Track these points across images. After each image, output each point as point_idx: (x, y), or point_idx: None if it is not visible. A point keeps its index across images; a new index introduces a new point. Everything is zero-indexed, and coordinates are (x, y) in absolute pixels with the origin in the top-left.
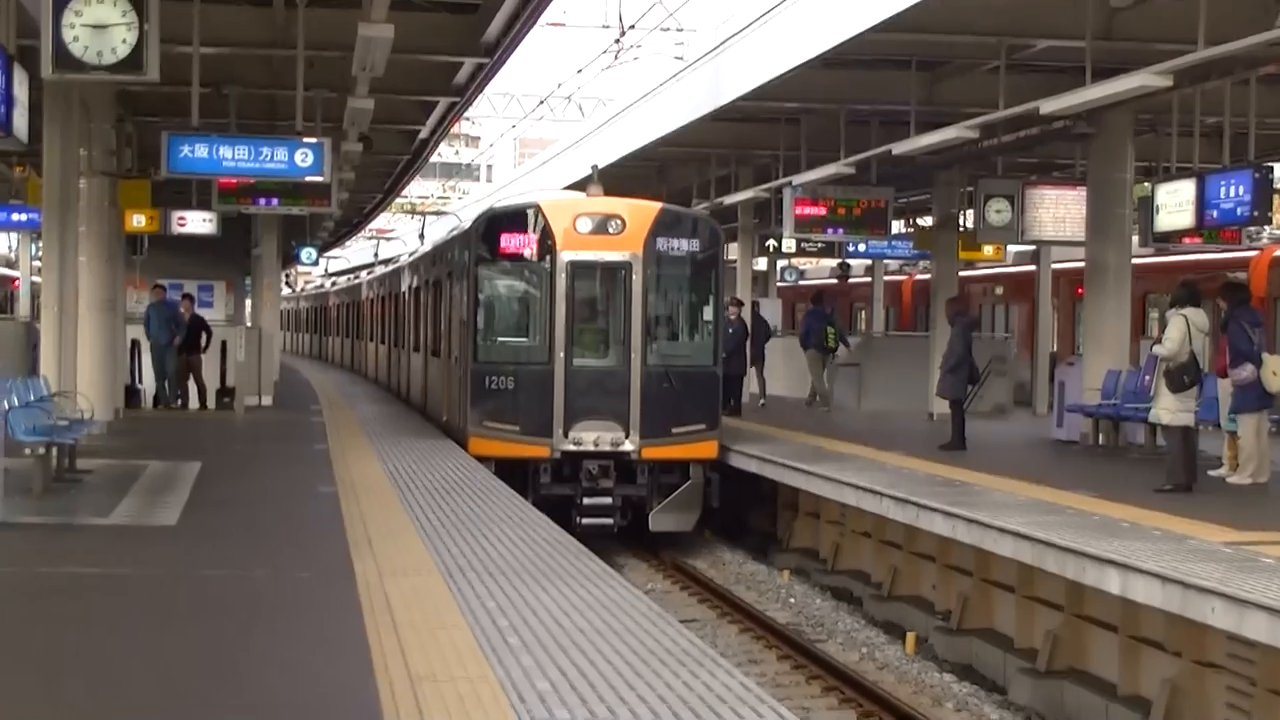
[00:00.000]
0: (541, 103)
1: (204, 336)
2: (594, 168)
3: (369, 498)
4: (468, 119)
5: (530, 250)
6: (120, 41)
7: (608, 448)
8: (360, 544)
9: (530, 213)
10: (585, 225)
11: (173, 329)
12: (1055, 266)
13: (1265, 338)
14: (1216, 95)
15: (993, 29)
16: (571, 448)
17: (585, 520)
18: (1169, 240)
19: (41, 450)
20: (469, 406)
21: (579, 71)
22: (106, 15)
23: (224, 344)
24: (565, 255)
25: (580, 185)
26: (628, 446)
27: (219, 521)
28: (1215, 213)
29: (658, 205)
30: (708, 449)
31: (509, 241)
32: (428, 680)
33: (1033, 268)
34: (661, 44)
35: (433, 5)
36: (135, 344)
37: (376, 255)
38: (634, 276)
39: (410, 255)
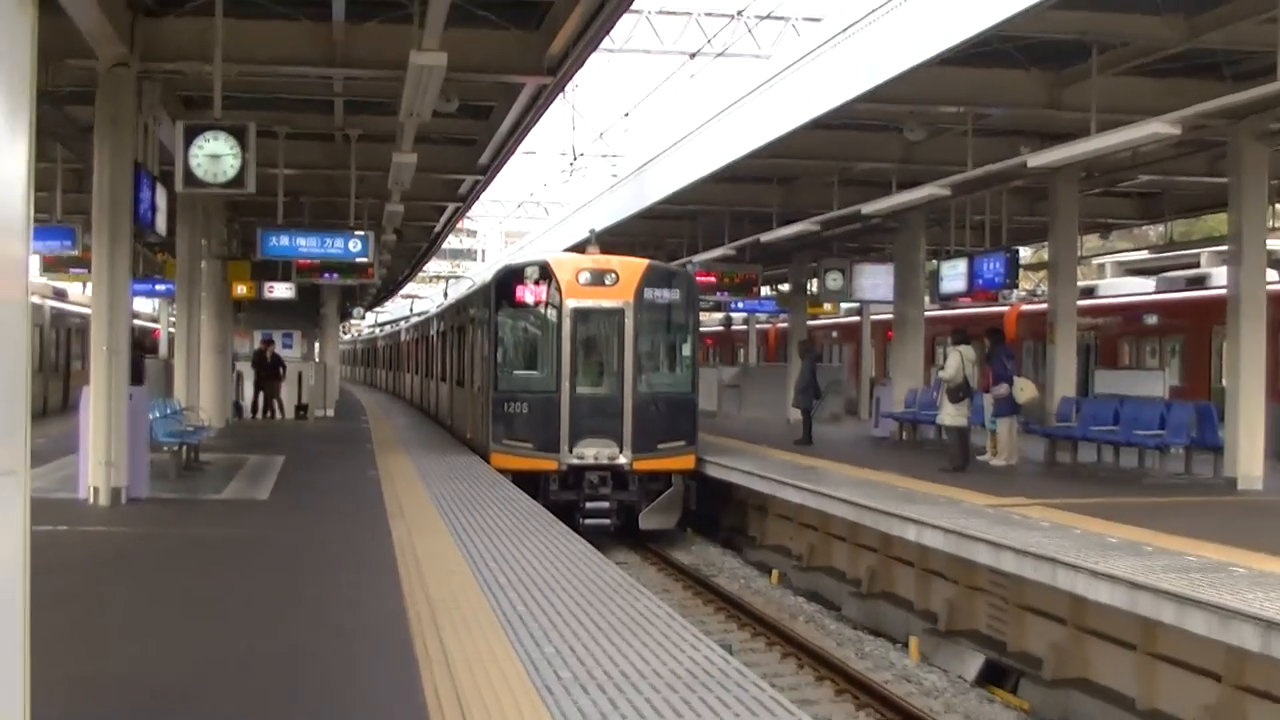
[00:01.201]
0: (519, 205)
1: (281, 369)
2: (592, 231)
3: (402, 481)
4: (468, 217)
5: (541, 299)
6: (229, 167)
7: (605, 461)
8: (395, 513)
9: (540, 268)
10: (586, 278)
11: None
12: (873, 318)
13: (1016, 365)
14: (981, 200)
15: (828, 155)
16: (575, 461)
17: (587, 521)
18: (949, 300)
19: (175, 447)
20: (490, 427)
21: (545, 184)
22: (220, 149)
23: (300, 374)
24: (570, 303)
25: (577, 248)
26: (622, 460)
27: (297, 496)
28: (981, 281)
29: (645, 262)
30: (687, 461)
31: (523, 292)
32: (440, 603)
33: (858, 319)
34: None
35: (444, 140)
36: (239, 374)
37: (411, 309)
38: (626, 320)
39: (437, 307)
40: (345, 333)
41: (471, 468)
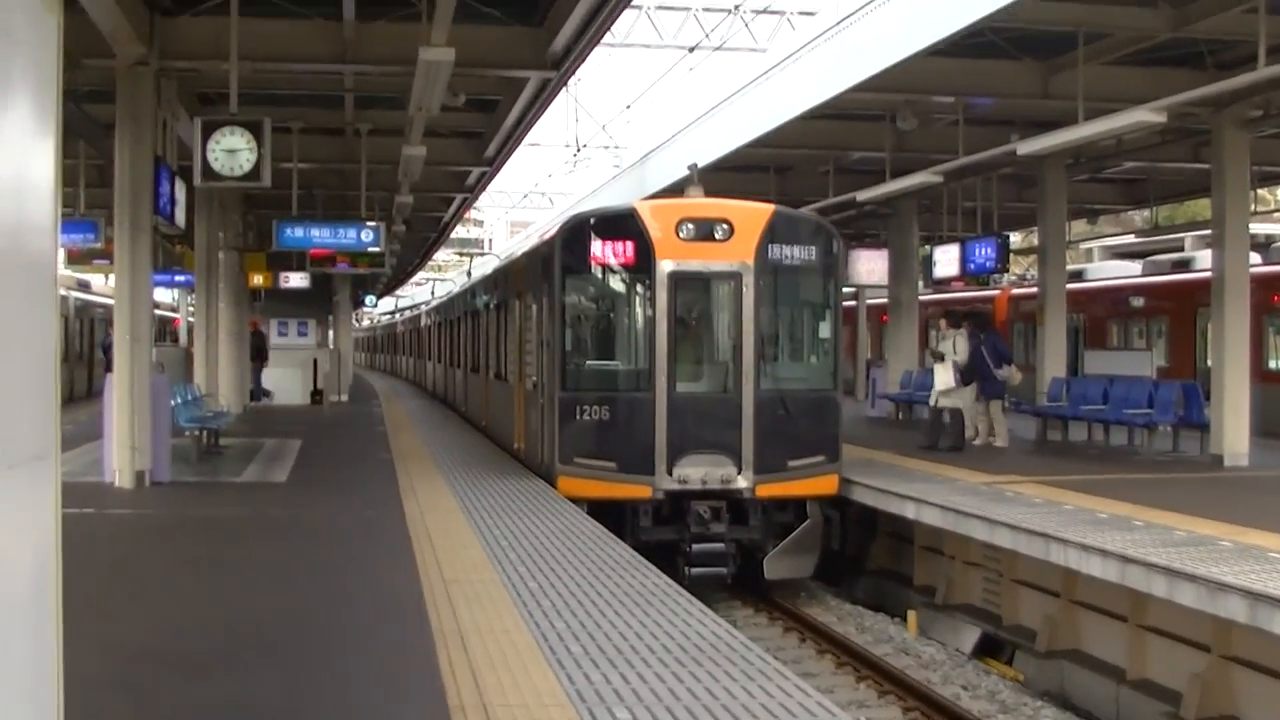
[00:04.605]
0: (525, 196)
1: (263, 351)
2: (692, 167)
3: (414, 463)
4: (475, 208)
5: (625, 260)
6: (245, 161)
7: (717, 485)
8: (408, 491)
9: (624, 217)
10: (688, 231)
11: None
12: (868, 302)
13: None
14: (972, 187)
15: (823, 145)
16: (676, 487)
17: (695, 571)
18: (942, 284)
19: (196, 432)
20: (555, 440)
21: (549, 175)
22: (236, 144)
23: (315, 360)
24: (666, 265)
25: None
26: (740, 484)
27: (314, 478)
28: (972, 266)
29: (770, 207)
30: (828, 484)
31: (600, 250)
32: (454, 583)
33: (854, 303)
34: (604, 156)
35: (451, 134)
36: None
37: (433, 293)
38: (745, 289)
39: (468, 283)
40: (356, 321)
41: (480, 445)
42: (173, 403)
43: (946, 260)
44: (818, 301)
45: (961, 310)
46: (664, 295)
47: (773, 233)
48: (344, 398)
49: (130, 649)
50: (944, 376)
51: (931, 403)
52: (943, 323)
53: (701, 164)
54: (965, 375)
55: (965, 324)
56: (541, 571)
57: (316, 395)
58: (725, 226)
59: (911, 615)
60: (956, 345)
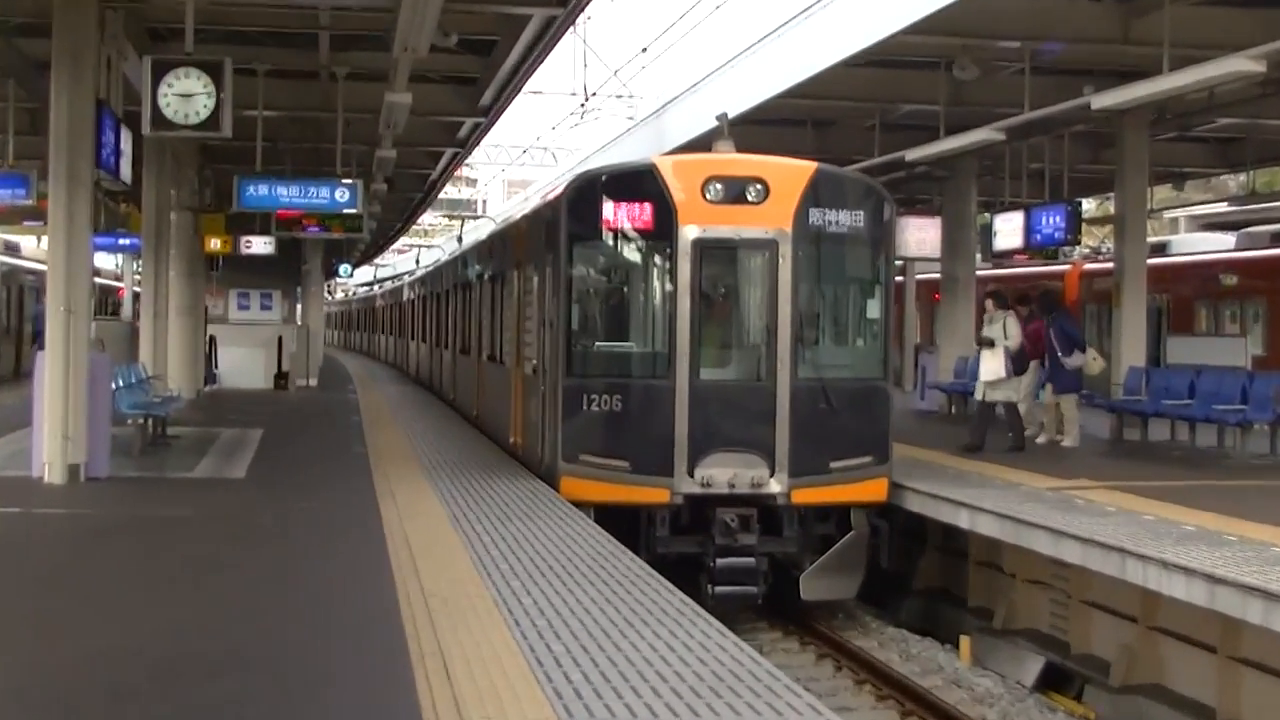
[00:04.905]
0: (524, 151)
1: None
2: (721, 117)
3: (393, 459)
4: (467, 164)
5: (642, 225)
6: (202, 107)
7: (747, 489)
8: (385, 492)
9: (642, 175)
10: (716, 191)
11: None
12: (918, 278)
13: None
14: (1039, 147)
15: (870, 96)
16: (699, 490)
17: (719, 589)
18: (1003, 257)
19: (141, 420)
20: (560, 434)
21: (553, 128)
22: (192, 87)
23: (280, 338)
24: (690, 232)
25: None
26: (773, 488)
27: (277, 475)
28: (1038, 236)
29: (811, 165)
30: (875, 489)
31: (613, 213)
32: (437, 598)
33: (902, 279)
34: (617, 107)
35: (442, 78)
36: (212, 339)
37: (419, 262)
38: (781, 259)
39: (456, 251)
40: (329, 294)
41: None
42: (114, 386)
43: (1009, 230)
44: (866, 276)
45: (1024, 289)
46: (687, 266)
47: (815, 194)
48: (313, 382)
49: (52, 683)
50: (992, 365)
51: (977, 396)
52: (989, 303)
53: (730, 115)
54: (1018, 363)
55: (1019, 306)
56: (538, 586)
57: (281, 379)
58: (759, 187)
59: (964, 641)
60: (1007, 328)
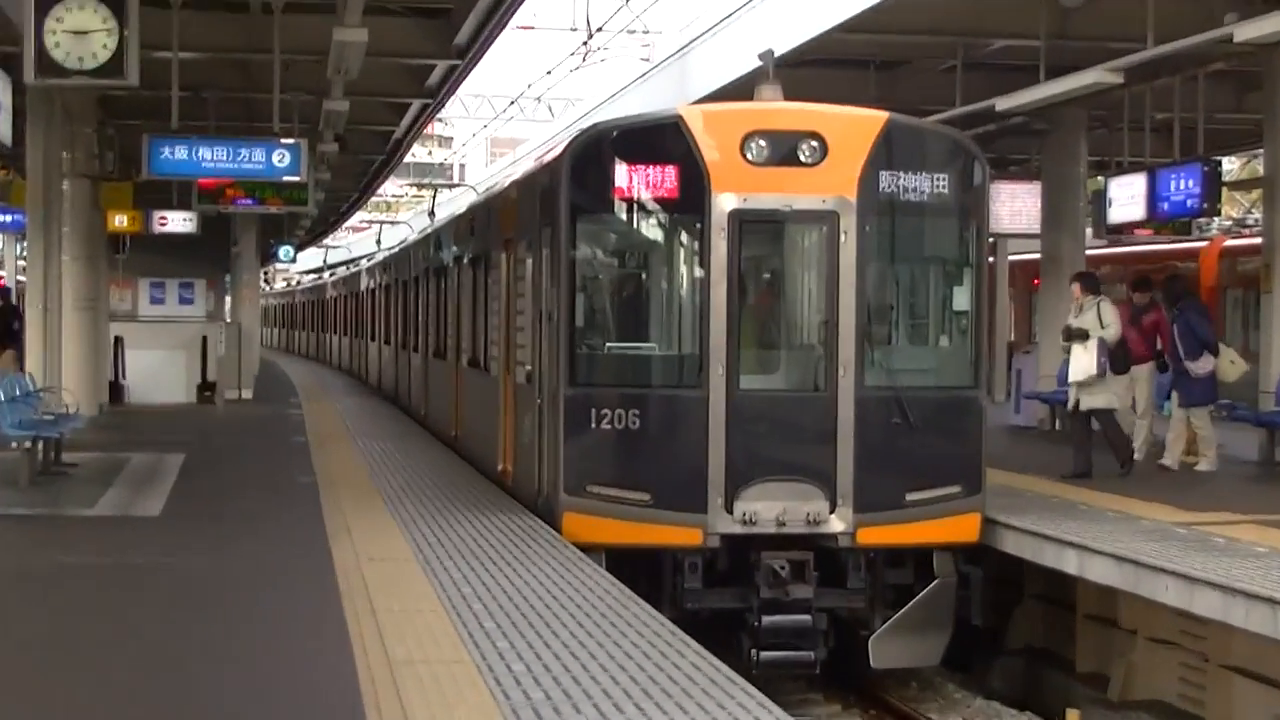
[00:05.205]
0: (512, 103)
1: (15, 324)
2: (766, 55)
3: (348, 489)
4: (440, 120)
5: (664, 193)
6: (101, 47)
7: (800, 528)
8: (339, 531)
9: (665, 130)
10: (759, 150)
11: None
12: (1012, 258)
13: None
14: (1166, 91)
15: (950, 29)
16: (739, 529)
17: (766, 654)
18: (1121, 232)
19: (28, 444)
20: (562, 459)
21: (548, 73)
22: (87, 22)
23: (204, 339)
24: (725, 201)
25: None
26: (835, 526)
27: (202, 510)
28: (1166, 205)
29: (881, 115)
30: (964, 527)
31: (627, 179)
32: (405, 665)
33: (991, 259)
34: (628, 46)
35: (405, 10)
36: (118, 340)
37: (379, 242)
38: (843, 236)
39: (427, 229)
40: (268, 283)
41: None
42: None
43: (1127, 198)
44: (952, 255)
45: (1145, 272)
46: (722, 245)
47: (886, 152)
48: (247, 394)
49: None
50: (1083, 362)
51: (1069, 405)
52: (1076, 288)
53: (778, 54)
54: (1117, 360)
55: (1137, 292)
56: (533, 649)
57: (207, 390)
58: (815, 143)
59: (1073, 716)
60: (1103, 315)
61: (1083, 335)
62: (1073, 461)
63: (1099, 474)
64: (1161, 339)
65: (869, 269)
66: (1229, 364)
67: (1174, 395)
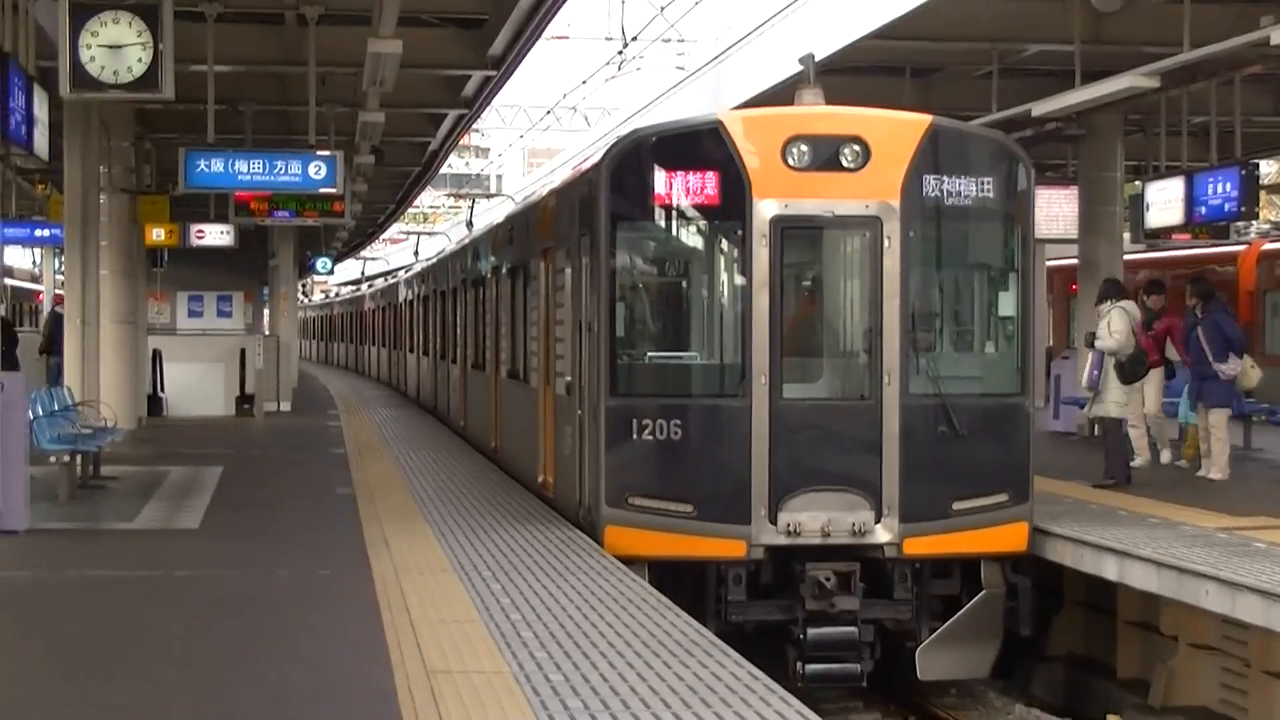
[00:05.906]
0: (548, 113)
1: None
2: (807, 59)
3: (387, 501)
4: (476, 130)
5: (705, 200)
6: (136, 61)
7: (846, 539)
8: (377, 543)
9: (705, 135)
10: (801, 155)
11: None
12: (1049, 263)
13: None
14: (1203, 95)
15: (985, 35)
16: (784, 541)
17: (812, 667)
18: (1159, 237)
19: (66, 458)
20: (603, 470)
21: (584, 82)
22: (122, 35)
23: (242, 352)
24: (767, 207)
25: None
26: (881, 536)
27: (241, 523)
28: (1204, 209)
29: (925, 119)
30: (1013, 537)
31: (667, 185)
32: (443, 675)
33: None
34: (663, 54)
35: (440, 20)
36: (157, 354)
37: (417, 253)
38: (888, 241)
39: (456, 245)
40: (305, 295)
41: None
42: (31, 415)
43: (1165, 201)
44: (998, 261)
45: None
46: (764, 252)
47: (931, 157)
48: (285, 406)
49: None
50: (1091, 372)
51: (1087, 411)
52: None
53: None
54: (1127, 369)
55: (1150, 295)
56: (570, 659)
57: (245, 403)
58: (858, 148)
59: None
60: (1111, 324)
61: (1092, 342)
62: (1108, 468)
63: (1140, 483)
64: (1174, 344)
65: (913, 275)
66: (1249, 369)
67: (1184, 399)
